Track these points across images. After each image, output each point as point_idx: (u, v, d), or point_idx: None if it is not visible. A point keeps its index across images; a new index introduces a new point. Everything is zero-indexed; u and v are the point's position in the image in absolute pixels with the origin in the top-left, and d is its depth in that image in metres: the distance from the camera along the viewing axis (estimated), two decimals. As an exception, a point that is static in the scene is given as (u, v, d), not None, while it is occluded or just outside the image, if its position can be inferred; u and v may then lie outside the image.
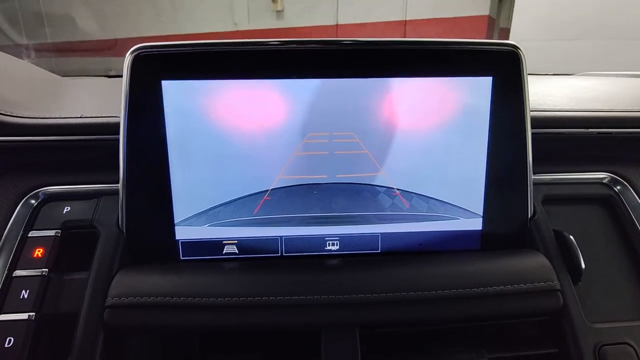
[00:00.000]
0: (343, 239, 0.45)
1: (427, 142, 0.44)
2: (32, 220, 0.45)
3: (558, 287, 0.40)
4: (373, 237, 0.45)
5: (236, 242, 0.45)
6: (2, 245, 0.42)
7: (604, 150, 0.50)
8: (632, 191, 0.48)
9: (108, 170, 0.46)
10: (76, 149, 0.46)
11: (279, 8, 3.75)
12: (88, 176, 0.47)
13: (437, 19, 3.70)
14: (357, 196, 0.44)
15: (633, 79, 0.73)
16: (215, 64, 0.41)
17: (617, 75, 0.81)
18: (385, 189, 0.44)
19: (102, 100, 0.54)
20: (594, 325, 0.40)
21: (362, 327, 0.39)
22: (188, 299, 0.38)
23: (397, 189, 0.44)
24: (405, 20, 3.75)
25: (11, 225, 0.44)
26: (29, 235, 0.43)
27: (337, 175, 0.44)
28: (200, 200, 0.44)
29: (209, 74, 0.41)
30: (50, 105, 0.50)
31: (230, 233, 0.45)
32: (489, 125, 0.44)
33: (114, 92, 0.53)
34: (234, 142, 0.43)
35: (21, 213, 0.45)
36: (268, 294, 0.39)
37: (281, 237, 0.45)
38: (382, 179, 0.44)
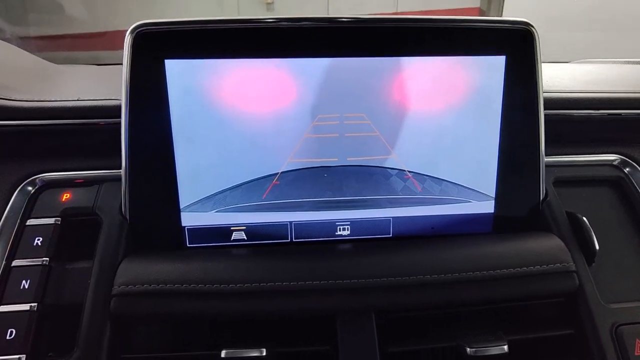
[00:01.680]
0: (354, 224, 0.44)
1: (439, 123, 0.43)
2: (30, 208, 0.43)
3: (573, 268, 0.39)
4: (384, 221, 0.44)
5: (244, 228, 0.44)
6: None
7: (613, 132, 0.49)
8: (643, 173, 0.48)
9: (108, 156, 0.44)
10: (74, 134, 0.44)
11: (269, 0, 3.70)
12: (88, 162, 0.45)
13: (429, 11, 3.70)
14: (369, 179, 0.43)
15: (630, 65, 0.73)
16: (222, 41, 0.39)
17: (613, 62, 0.81)
18: (397, 171, 0.43)
19: (100, 85, 0.52)
20: (610, 306, 0.40)
21: (378, 311, 0.38)
22: (198, 286, 0.37)
23: (409, 172, 0.43)
24: (397, 13, 3.73)
25: (7, 213, 0.42)
26: (27, 223, 0.42)
27: (348, 158, 0.43)
28: (206, 184, 0.42)
29: (214, 52, 0.39)
30: (46, 90, 0.48)
31: (238, 219, 0.43)
32: (502, 106, 0.43)
33: (112, 78, 0.51)
34: (241, 124, 0.41)
35: (18, 200, 0.43)
36: (280, 279, 0.37)
37: (291, 222, 0.44)
38: (393, 161, 0.43)
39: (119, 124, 0.41)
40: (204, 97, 0.40)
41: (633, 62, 0.76)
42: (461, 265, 0.39)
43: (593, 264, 0.41)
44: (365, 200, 0.44)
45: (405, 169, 0.43)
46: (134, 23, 0.39)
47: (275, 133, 0.41)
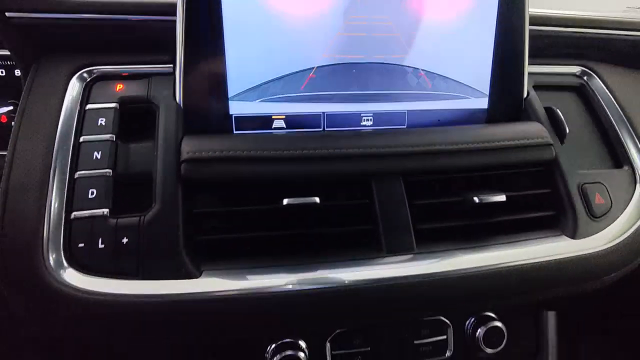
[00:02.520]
0: (376, 115, 0.52)
1: (448, 27, 0.51)
2: (87, 96, 0.46)
3: (551, 142, 0.50)
4: (401, 114, 0.53)
5: (284, 117, 0.50)
6: (63, 120, 0.44)
7: (579, 48, 0.61)
8: (599, 81, 0.60)
9: (156, 52, 0.49)
10: (125, 29, 0.48)
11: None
12: (136, 57, 0.49)
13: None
14: (390, 75, 0.51)
15: None
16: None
17: None
18: (412, 69, 0.52)
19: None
20: (577, 171, 0.51)
21: (403, 174, 0.47)
22: (257, 152, 0.43)
23: (422, 70, 0.52)
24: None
25: (67, 100, 0.45)
26: (87, 108, 0.45)
27: (374, 56, 0.50)
28: (252, 75, 0.48)
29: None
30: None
31: (279, 108, 0.49)
32: (497, 17, 0.52)
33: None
34: (284, 21, 0.47)
35: (76, 88, 0.46)
36: (323, 147, 0.45)
37: (324, 113, 0.51)
38: (410, 60, 0.51)
39: (170, 21, 0.45)
40: (252, -5, 0.46)
41: None
42: (466, 139, 0.48)
43: (564, 143, 0.52)
44: (386, 94, 0.51)
45: (419, 67, 0.52)
46: None
47: (313, 30, 0.48)
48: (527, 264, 0.46)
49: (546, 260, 0.46)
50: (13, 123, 0.43)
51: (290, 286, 0.40)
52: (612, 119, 0.57)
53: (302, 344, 0.47)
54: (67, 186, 0.40)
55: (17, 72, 0.55)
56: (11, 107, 0.55)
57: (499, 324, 0.52)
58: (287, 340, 0.47)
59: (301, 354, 0.46)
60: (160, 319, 0.39)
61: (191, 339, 0.41)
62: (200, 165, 0.42)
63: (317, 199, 0.43)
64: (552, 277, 0.46)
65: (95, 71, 0.47)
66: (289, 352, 0.46)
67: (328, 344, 0.49)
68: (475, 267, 0.45)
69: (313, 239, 0.44)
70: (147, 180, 0.42)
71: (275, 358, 0.46)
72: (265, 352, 0.47)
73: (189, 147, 0.43)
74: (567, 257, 0.47)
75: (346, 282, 0.41)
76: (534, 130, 0.51)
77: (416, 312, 0.47)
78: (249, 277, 0.40)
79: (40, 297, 0.37)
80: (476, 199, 0.47)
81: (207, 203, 0.43)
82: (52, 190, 0.40)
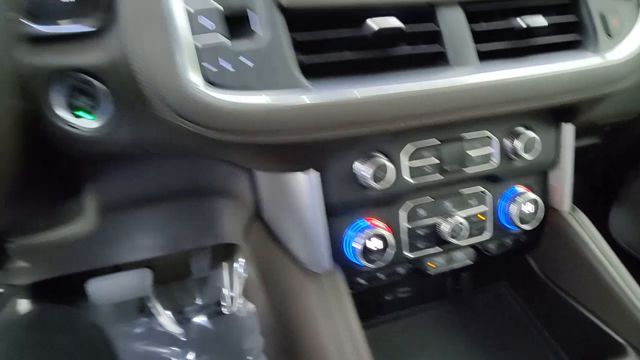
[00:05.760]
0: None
1: None
2: None
3: None
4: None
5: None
6: None
7: None
8: None
9: None
10: None
11: None
12: None
13: None
14: None
15: None
16: None
17: None
18: None
19: None
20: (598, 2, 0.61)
21: (462, 3, 0.54)
22: None
23: None
24: None
25: None
26: None
27: None
28: None
29: None
30: None
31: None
32: None
33: None
34: None
35: None
36: None
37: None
38: None
39: None
40: None
41: None
42: None
43: None
44: None
45: None
46: None
47: None
48: (563, 72, 0.56)
49: (577, 70, 0.57)
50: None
51: (383, 91, 0.49)
52: None
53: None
54: (188, 18, 0.45)
55: None
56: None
57: (533, 134, 0.63)
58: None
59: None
60: (286, 120, 0.47)
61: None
62: None
63: (400, 22, 0.49)
64: (582, 81, 0.58)
65: None
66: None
67: None
68: (522, 76, 0.54)
69: (394, 58, 0.52)
70: (244, 13, 0.47)
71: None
72: None
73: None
74: (592, 67, 0.58)
75: (427, 86, 0.50)
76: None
77: (474, 111, 0.56)
78: (350, 85, 0.48)
79: (193, 110, 0.44)
80: (522, 23, 0.55)
81: (307, 29, 0.49)
82: (176, 23, 0.44)
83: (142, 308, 1.12)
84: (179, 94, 0.44)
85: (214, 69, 0.45)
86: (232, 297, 1.15)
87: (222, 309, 1.14)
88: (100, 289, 1.05)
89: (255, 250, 0.75)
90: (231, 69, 0.45)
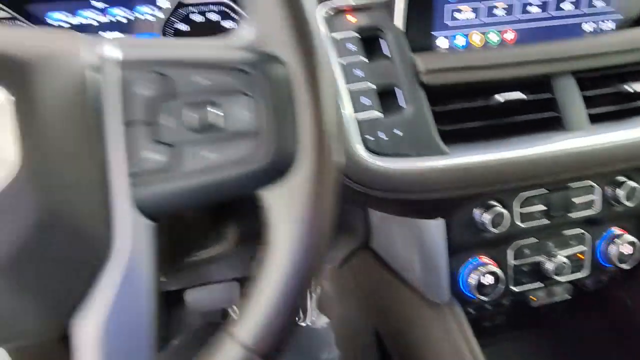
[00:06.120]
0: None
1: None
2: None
3: None
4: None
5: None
6: None
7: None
8: None
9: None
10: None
11: None
12: None
13: None
14: None
15: None
16: None
17: None
18: None
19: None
20: None
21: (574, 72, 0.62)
22: (477, 62, 0.58)
23: None
24: None
25: None
26: (332, 35, 0.59)
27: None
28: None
29: None
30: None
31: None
32: None
33: None
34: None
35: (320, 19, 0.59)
36: (520, 55, 0.60)
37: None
38: None
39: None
40: None
41: None
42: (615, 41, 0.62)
43: None
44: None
45: None
46: None
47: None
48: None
49: None
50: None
51: (510, 155, 0.58)
52: None
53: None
54: (350, 96, 0.56)
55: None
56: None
57: (634, 184, 0.69)
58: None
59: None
60: (431, 180, 0.57)
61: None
62: (440, 75, 0.57)
63: (522, 94, 0.58)
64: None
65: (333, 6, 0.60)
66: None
67: None
68: (633, 137, 0.61)
69: (517, 124, 0.60)
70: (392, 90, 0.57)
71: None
72: None
73: (426, 61, 0.58)
74: None
75: (546, 150, 0.59)
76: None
77: (588, 171, 0.63)
78: (482, 150, 0.57)
79: (359, 174, 0.55)
80: (629, 89, 0.62)
81: (444, 102, 0.59)
82: (344, 103, 0.55)
83: (225, 316, 1.26)
84: (349, 161, 0.55)
85: (372, 139, 0.56)
86: (307, 310, 1.26)
87: (298, 321, 1.25)
88: (196, 298, 1.20)
89: (359, 275, 0.86)
90: (385, 138, 0.56)
